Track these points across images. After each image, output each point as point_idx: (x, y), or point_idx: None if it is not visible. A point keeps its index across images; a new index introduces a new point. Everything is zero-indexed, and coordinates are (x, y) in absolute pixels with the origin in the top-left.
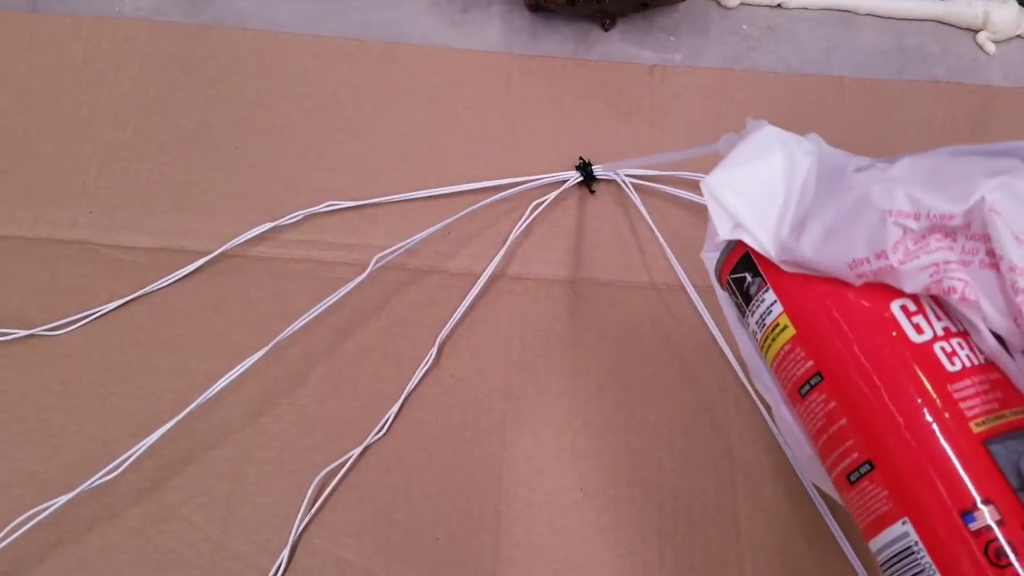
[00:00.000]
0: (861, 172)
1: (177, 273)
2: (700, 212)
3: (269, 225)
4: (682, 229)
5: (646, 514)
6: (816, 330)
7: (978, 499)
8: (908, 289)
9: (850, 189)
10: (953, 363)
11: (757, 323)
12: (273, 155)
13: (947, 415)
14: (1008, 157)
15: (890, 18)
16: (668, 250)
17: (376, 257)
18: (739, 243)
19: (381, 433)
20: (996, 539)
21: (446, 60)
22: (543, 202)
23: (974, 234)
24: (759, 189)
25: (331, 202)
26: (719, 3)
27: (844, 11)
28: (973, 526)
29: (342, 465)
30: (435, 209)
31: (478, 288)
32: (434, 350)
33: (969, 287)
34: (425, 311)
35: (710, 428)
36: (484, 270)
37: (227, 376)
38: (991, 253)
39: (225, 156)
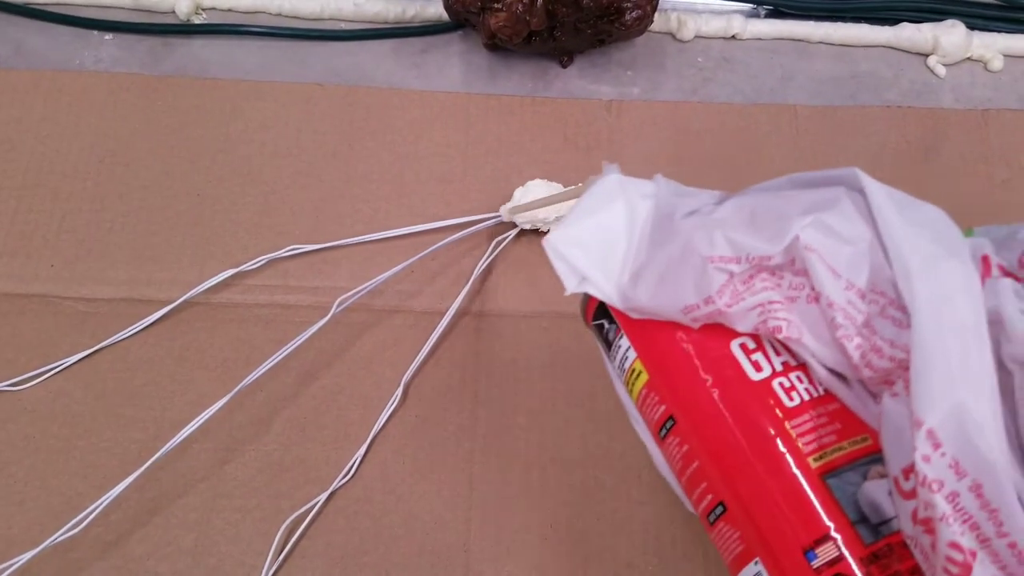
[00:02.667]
0: (688, 217)
1: (140, 323)
2: None
3: (232, 271)
4: None
5: (616, 548)
6: (665, 374)
7: (819, 536)
8: (740, 329)
9: (676, 236)
10: (792, 398)
11: (618, 368)
12: (235, 201)
13: (787, 452)
14: (833, 186)
15: (843, 45)
16: None
17: (339, 299)
18: None
19: (348, 477)
20: None
21: (406, 101)
22: (505, 239)
23: (798, 270)
24: (601, 240)
25: (293, 246)
26: (674, 37)
27: (798, 40)
28: (815, 563)
29: (309, 511)
30: (398, 249)
31: (443, 326)
32: (400, 390)
33: (792, 326)
34: (390, 351)
35: None
36: (448, 308)
37: (190, 425)
38: (814, 288)
39: (186, 204)
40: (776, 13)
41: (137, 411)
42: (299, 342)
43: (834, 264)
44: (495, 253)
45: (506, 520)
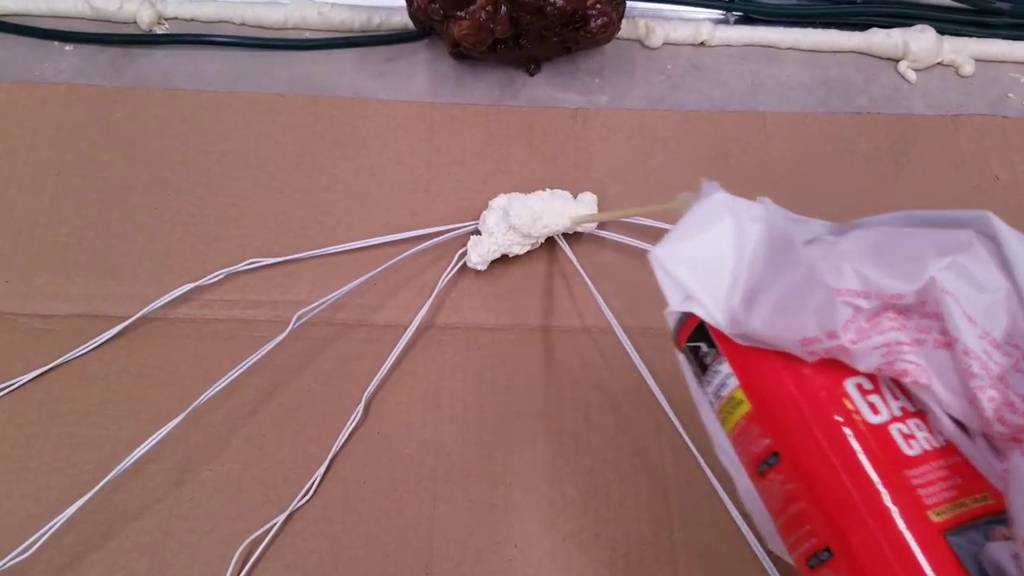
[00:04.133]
0: (810, 245)
1: (96, 339)
2: (628, 253)
3: (190, 286)
4: (611, 270)
5: (583, 567)
6: (771, 407)
7: None
8: (862, 368)
9: (798, 263)
10: (911, 446)
11: (714, 394)
12: (194, 214)
13: (905, 504)
14: (959, 228)
15: (813, 51)
16: (596, 293)
17: (298, 313)
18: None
19: (307, 497)
20: None
21: (369, 111)
22: (467, 247)
23: (928, 312)
24: (708, 260)
25: (253, 259)
26: (643, 44)
27: (767, 46)
28: None
29: (267, 532)
30: (360, 261)
31: (405, 340)
32: (361, 407)
33: (921, 370)
34: (351, 366)
35: (645, 473)
36: (412, 321)
37: (144, 445)
38: (945, 332)
39: (144, 217)
40: (746, 19)
41: (92, 431)
42: (256, 358)
43: (970, 311)
44: (458, 264)
45: (470, 540)
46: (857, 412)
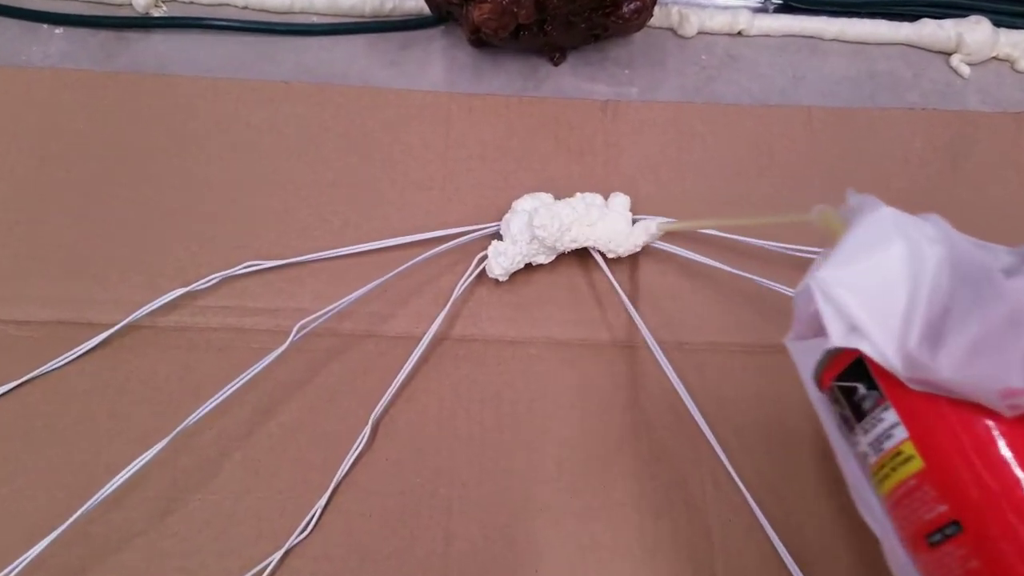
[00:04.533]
0: (1014, 276)
1: (77, 349)
2: (662, 260)
3: (182, 291)
4: (644, 279)
5: None
6: (954, 468)
7: None
8: None
9: (1000, 298)
10: None
11: (871, 445)
12: (188, 211)
13: None
14: None
15: (858, 43)
16: (628, 302)
17: (300, 323)
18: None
19: (306, 532)
20: None
21: (380, 101)
22: (488, 252)
23: None
24: (878, 288)
25: (252, 262)
26: (675, 33)
27: (809, 37)
28: None
29: (262, 572)
30: (369, 266)
31: (418, 353)
32: (368, 429)
33: None
34: (358, 383)
35: (685, 508)
36: (425, 332)
37: (128, 469)
38: None
39: (133, 214)
40: (786, 8)
41: (68, 453)
42: (253, 372)
43: None
44: (478, 270)
45: None
46: None
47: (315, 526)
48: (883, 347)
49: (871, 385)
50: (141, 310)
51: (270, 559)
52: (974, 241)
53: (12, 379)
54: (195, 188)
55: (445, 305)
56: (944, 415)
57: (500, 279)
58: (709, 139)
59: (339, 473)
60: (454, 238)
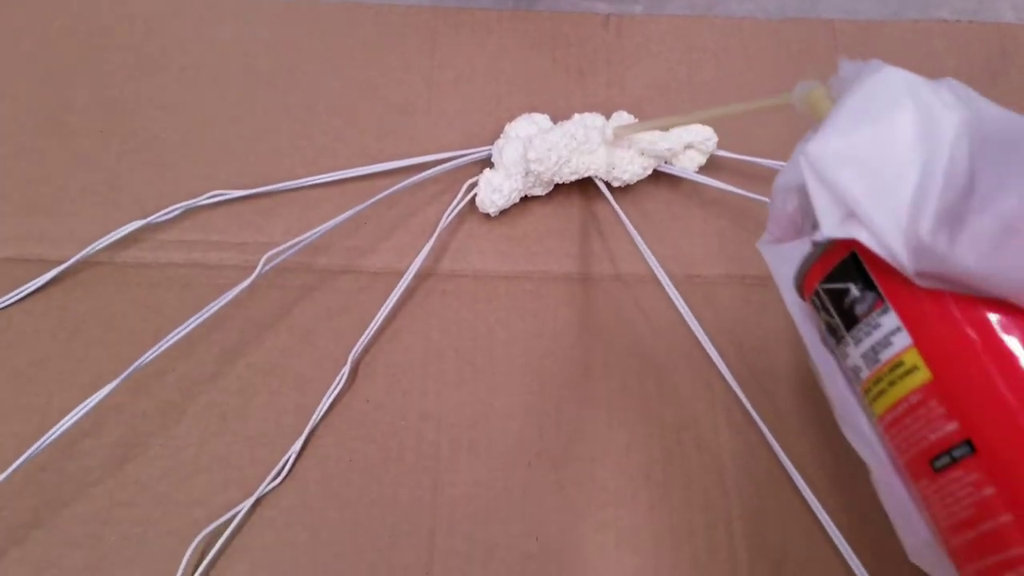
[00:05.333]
0: None
1: (26, 287)
2: (670, 184)
3: (140, 223)
4: (650, 205)
5: (620, 565)
6: (969, 379)
7: None
8: None
9: None
10: None
11: (865, 356)
12: (147, 139)
13: None
14: None
15: None
16: (634, 232)
17: (267, 255)
18: (839, 242)
19: (280, 479)
20: None
21: (358, 17)
22: (478, 182)
23: None
24: (885, 164)
25: (216, 192)
26: None
27: None
28: None
29: (229, 522)
30: (347, 195)
31: (401, 289)
32: (346, 369)
33: None
34: (336, 321)
35: (696, 451)
36: (409, 267)
37: (76, 411)
38: None
39: (87, 143)
40: None
41: (18, 397)
42: (216, 308)
43: None
44: (466, 199)
45: (480, 533)
46: None
47: (289, 473)
48: (886, 236)
49: (866, 285)
50: (95, 244)
51: (239, 507)
52: (1003, 110)
53: None
54: (154, 113)
55: (431, 237)
56: (958, 317)
57: (492, 215)
58: (722, 57)
59: (315, 416)
60: (440, 163)
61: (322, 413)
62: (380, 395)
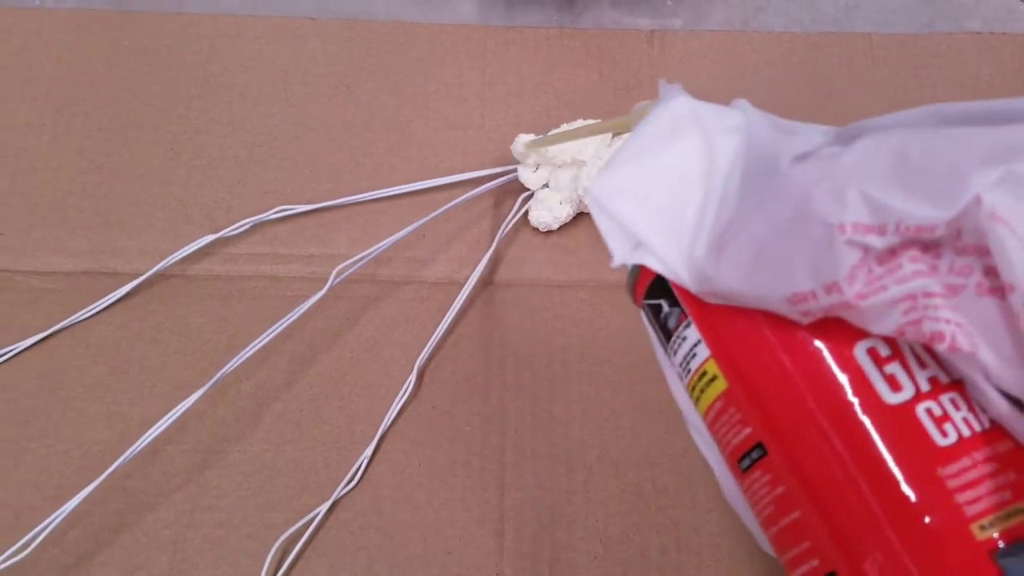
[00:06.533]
0: (801, 162)
1: (104, 300)
2: None
3: (211, 238)
4: None
5: (680, 566)
6: (754, 386)
7: None
8: (876, 331)
9: (785, 190)
10: (945, 433)
11: (681, 366)
12: (214, 156)
13: (939, 514)
14: (1016, 123)
15: None
16: None
17: (337, 269)
18: None
19: (353, 483)
20: None
21: (412, 36)
22: (534, 193)
23: (965, 246)
24: (666, 192)
25: (283, 207)
26: None
27: None
28: None
29: (307, 525)
30: (406, 209)
31: (462, 299)
32: (413, 376)
33: (961, 332)
34: (400, 330)
35: None
36: (468, 277)
37: (162, 421)
38: (991, 273)
39: (157, 160)
40: None
41: (100, 406)
42: (291, 320)
43: None
44: (522, 210)
45: (546, 535)
46: (871, 389)
47: (362, 477)
48: (670, 261)
49: (673, 301)
50: (169, 258)
51: (316, 511)
52: (787, 125)
53: (37, 332)
54: (220, 130)
55: (488, 248)
56: (742, 329)
57: (542, 229)
58: (763, 70)
59: (385, 422)
60: (494, 177)
61: (391, 419)
62: (445, 402)
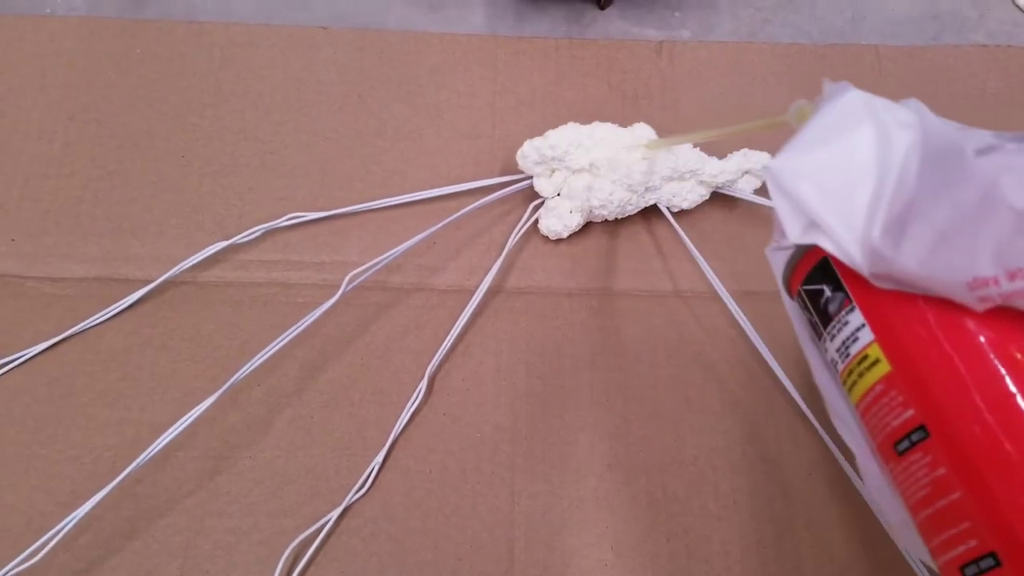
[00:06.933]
0: (986, 155)
1: (115, 306)
2: (725, 205)
3: (223, 244)
4: (706, 225)
5: (692, 574)
6: (921, 369)
7: None
8: None
9: (971, 179)
10: None
11: (838, 351)
12: (226, 163)
13: None
14: None
15: None
16: (695, 251)
17: (349, 275)
18: (815, 247)
19: (364, 489)
20: None
21: (424, 46)
22: (544, 201)
23: None
24: (842, 177)
25: (295, 214)
26: None
27: None
28: None
29: (318, 532)
30: (417, 217)
31: (472, 306)
32: (424, 383)
33: None
34: (411, 337)
35: (761, 463)
36: (479, 285)
37: (174, 427)
38: None
39: (170, 167)
40: None
41: (111, 412)
42: (303, 327)
43: None
44: (532, 218)
45: (557, 542)
46: None
47: (373, 484)
48: (844, 242)
49: (837, 286)
50: (181, 264)
51: (327, 517)
52: (956, 125)
53: (48, 337)
54: (231, 138)
55: (498, 256)
56: (910, 313)
57: (552, 237)
58: (771, 81)
59: (396, 429)
60: (505, 186)
61: (402, 426)
62: (456, 408)
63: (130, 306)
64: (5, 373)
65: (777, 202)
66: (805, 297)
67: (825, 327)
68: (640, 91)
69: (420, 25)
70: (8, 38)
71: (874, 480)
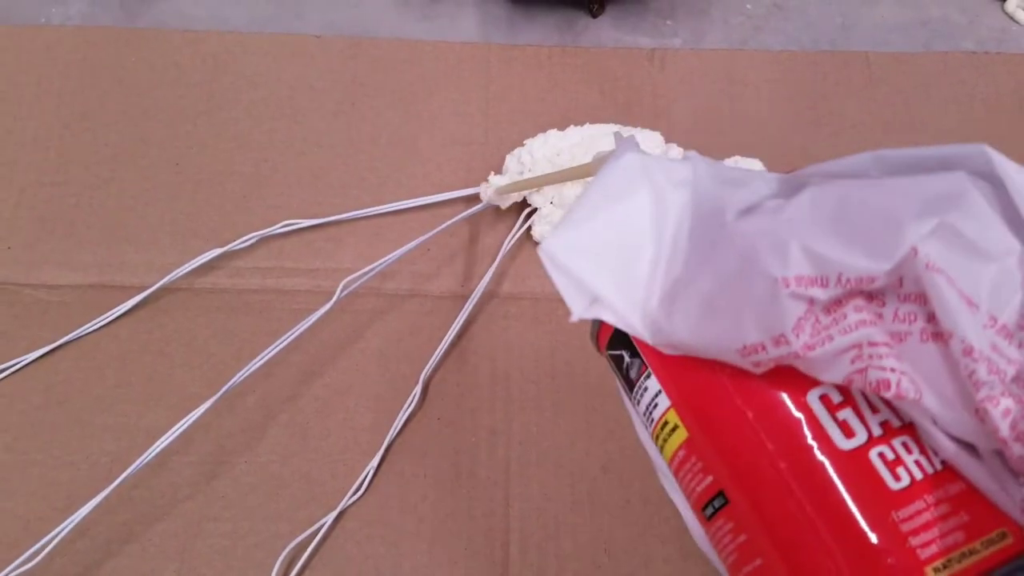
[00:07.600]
0: (746, 217)
1: (110, 313)
2: None
3: (218, 251)
4: None
5: (689, 575)
6: (713, 436)
7: None
8: (826, 380)
9: (731, 244)
10: (898, 477)
11: (644, 416)
12: (220, 171)
13: (895, 557)
14: (949, 170)
15: None
16: None
17: (343, 282)
18: None
19: (359, 493)
20: None
21: (417, 53)
22: (537, 209)
23: (908, 294)
24: (618, 247)
25: (289, 221)
26: None
27: None
28: None
29: (314, 535)
30: (410, 224)
31: (466, 312)
32: (418, 389)
33: (905, 380)
34: (405, 343)
35: None
36: (473, 291)
37: (170, 432)
38: (934, 319)
39: (164, 175)
40: None
41: (107, 417)
42: (297, 333)
43: (969, 290)
44: (526, 224)
45: (551, 545)
46: (825, 436)
47: (368, 488)
48: (626, 314)
49: (634, 353)
50: (176, 271)
51: (323, 521)
52: (735, 176)
53: (44, 344)
54: (226, 146)
55: (493, 262)
56: (700, 379)
57: None
58: (763, 88)
59: (390, 434)
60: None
61: (397, 430)
62: (450, 413)
63: (125, 313)
64: (1, 380)
65: (556, 280)
66: (610, 361)
67: (630, 392)
68: (632, 98)
69: (413, 33)
70: (4, 47)
71: (700, 538)
